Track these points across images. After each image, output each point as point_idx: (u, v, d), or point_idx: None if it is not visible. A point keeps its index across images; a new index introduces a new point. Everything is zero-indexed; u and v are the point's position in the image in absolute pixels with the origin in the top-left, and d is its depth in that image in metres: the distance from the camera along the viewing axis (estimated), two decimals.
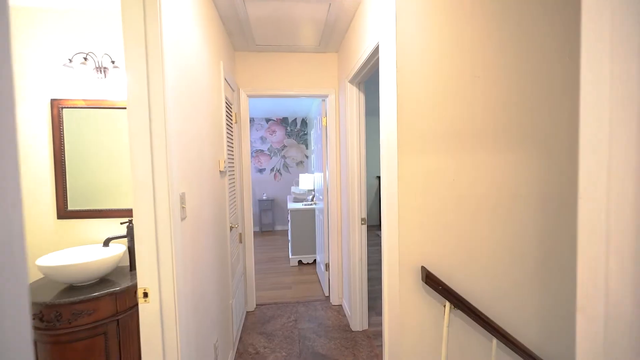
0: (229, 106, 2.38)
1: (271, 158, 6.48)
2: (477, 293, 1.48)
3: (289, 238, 4.27)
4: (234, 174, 2.51)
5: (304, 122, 6.52)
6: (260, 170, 6.48)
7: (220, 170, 1.91)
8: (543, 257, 1.51)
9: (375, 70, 2.09)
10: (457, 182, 1.45)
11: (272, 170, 6.51)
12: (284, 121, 6.48)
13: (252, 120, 6.38)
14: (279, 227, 6.57)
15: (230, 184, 2.34)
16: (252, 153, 6.41)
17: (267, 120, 6.43)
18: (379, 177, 6.72)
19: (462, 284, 1.47)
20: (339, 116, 2.84)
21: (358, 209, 2.46)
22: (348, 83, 2.39)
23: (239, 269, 2.61)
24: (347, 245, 2.65)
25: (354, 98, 2.41)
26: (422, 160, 1.43)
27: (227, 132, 2.28)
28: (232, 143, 2.52)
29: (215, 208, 1.80)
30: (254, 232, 6.28)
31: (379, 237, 5.67)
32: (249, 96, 2.79)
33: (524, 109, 1.47)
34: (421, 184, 1.44)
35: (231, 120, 2.48)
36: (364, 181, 2.47)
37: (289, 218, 4.20)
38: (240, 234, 2.72)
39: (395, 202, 1.43)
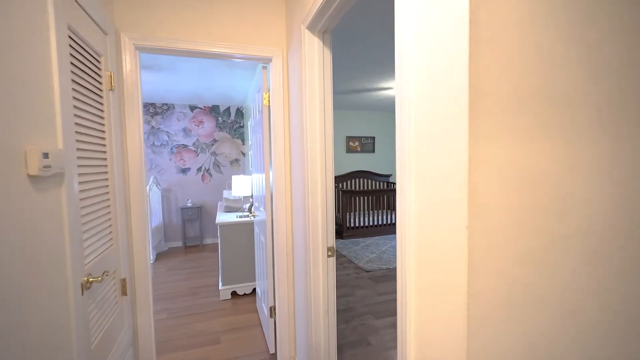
0: (92, 57, 1.27)
1: (198, 155, 5.22)
2: None
3: (219, 262, 3.19)
4: (105, 179, 1.40)
5: (240, 112, 5.39)
6: (184, 171, 5.17)
7: (29, 174, 0.84)
8: None
9: (356, 2, 1.21)
10: (586, 201, 0.65)
11: (199, 170, 5.24)
12: (213, 110, 5.26)
13: (171, 106, 5.03)
14: (208, 241, 5.34)
15: (91, 197, 1.24)
16: (172, 149, 5.07)
17: (192, 107, 5.14)
18: None
19: None
20: (288, 90, 1.91)
21: (323, 233, 1.56)
22: (306, 30, 1.47)
23: (122, 342, 1.51)
24: (304, 284, 1.74)
25: (315, 55, 1.50)
26: (527, 153, 0.60)
27: (86, 102, 1.17)
28: (103, 122, 1.41)
29: None
30: (176, 248, 4.97)
31: None
32: (139, 48, 1.68)
33: None
34: (521, 209, 0.60)
35: (99, 82, 1.37)
36: (330, 191, 1.59)
37: (219, 235, 3.12)
38: (124, 280, 1.60)
39: (463, 258, 0.57)
